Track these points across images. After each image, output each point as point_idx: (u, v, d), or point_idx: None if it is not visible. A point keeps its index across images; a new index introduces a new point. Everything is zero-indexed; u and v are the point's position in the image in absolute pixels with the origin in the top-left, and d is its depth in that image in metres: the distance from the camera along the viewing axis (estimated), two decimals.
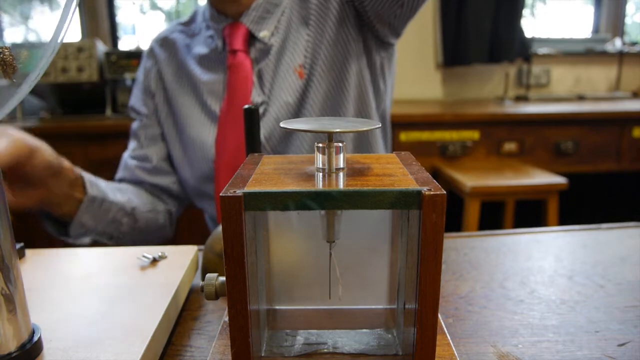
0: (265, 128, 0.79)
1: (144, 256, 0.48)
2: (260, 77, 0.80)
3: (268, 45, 0.79)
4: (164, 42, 0.89)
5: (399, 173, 0.31)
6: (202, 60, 0.84)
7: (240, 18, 0.78)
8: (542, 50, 2.44)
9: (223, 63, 0.82)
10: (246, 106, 0.44)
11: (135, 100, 0.90)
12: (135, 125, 0.89)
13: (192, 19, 0.91)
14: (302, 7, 0.81)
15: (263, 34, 0.79)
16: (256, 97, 0.79)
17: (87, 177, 0.72)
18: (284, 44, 0.80)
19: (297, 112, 0.80)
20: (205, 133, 0.81)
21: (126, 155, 0.89)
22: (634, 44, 2.53)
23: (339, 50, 0.80)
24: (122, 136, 1.92)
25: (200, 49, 0.84)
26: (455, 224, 1.86)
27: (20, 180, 0.60)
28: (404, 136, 1.87)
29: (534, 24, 2.59)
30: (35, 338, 0.33)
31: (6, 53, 0.27)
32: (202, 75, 0.83)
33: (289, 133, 0.80)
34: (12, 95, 0.28)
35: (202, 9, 0.89)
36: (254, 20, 0.78)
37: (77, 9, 0.29)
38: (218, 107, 0.81)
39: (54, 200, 0.66)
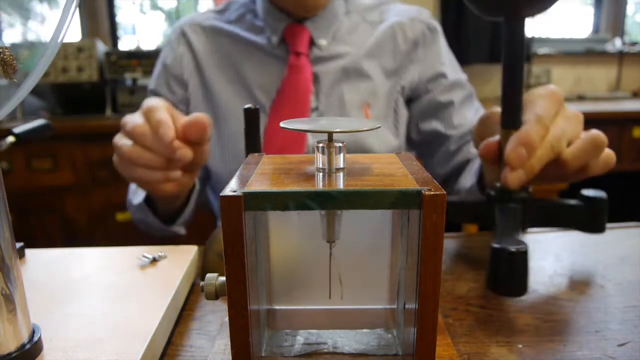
0: None
1: (144, 256, 0.48)
2: (316, 82, 0.81)
3: (325, 53, 0.82)
4: (200, 29, 0.86)
5: (399, 173, 0.31)
6: (252, 54, 0.83)
7: (305, 22, 0.80)
8: (542, 50, 2.44)
9: (277, 59, 0.82)
10: (246, 106, 0.44)
11: (160, 85, 0.86)
12: None
13: (225, 8, 0.89)
14: (388, 43, 0.85)
15: (322, 41, 0.81)
16: (312, 101, 0.80)
17: None
18: (344, 58, 0.82)
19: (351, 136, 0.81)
20: None
21: None
22: (634, 44, 2.53)
23: (392, 96, 0.85)
24: None
25: (252, 39, 0.83)
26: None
27: (195, 157, 0.59)
28: None
29: (534, 24, 2.59)
30: (35, 338, 0.33)
31: (6, 53, 0.27)
32: (252, 68, 0.82)
33: None
34: (12, 95, 0.28)
35: (243, 1, 0.88)
36: (317, 27, 0.81)
37: (77, 9, 0.29)
38: (268, 102, 0.81)
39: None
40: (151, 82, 0.89)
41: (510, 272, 0.40)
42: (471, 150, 0.83)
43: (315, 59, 0.82)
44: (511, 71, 0.47)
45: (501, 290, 0.40)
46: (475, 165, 0.78)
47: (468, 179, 0.79)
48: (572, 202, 0.54)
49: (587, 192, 0.53)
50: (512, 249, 0.40)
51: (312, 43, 0.81)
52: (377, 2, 0.90)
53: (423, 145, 0.89)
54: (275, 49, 0.82)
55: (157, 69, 0.89)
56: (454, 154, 0.84)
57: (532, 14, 0.46)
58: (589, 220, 0.53)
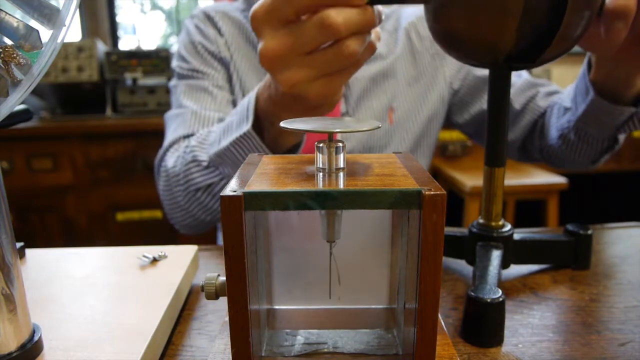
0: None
1: (144, 256, 0.48)
2: (345, 87, 0.79)
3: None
4: (227, 18, 0.82)
5: (399, 173, 0.31)
6: None
7: None
8: None
9: None
10: None
11: (198, 61, 0.79)
12: (194, 81, 0.77)
13: (246, 7, 0.86)
14: (409, 61, 0.84)
15: None
16: (342, 106, 0.79)
17: None
18: (372, 63, 0.81)
19: (369, 139, 0.81)
20: None
21: (196, 107, 0.74)
22: None
23: (428, 107, 0.85)
24: (122, 136, 1.93)
25: None
26: (455, 224, 1.86)
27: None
28: None
29: None
30: (36, 338, 0.33)
31: (7, 53, 0.27)
32: None
33: None
34: (12, 95, 0.28)
35: None
36: None
37: (78, 9, 0.29)
38: None
39: None
40: (179, 67, 0.81)
41: (484, 324, 0.38)
42: (540, 104, 0.79)
43: None
44: (497, 115, 0.46)
45: (474, 341, 0.39)
46: (562, 101, 0.71)
47: (566, 102, 0.70)
48: (556, 237, 0.52)
49: (573, 227, 0.52)
50: (488, 299, 0.38)
51: None
52: (391, 10, 0.90)
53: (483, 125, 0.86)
54: None
55: (185, 50, 0.81)
56: (520, 114, 0.81)
57: (517, 60, 0.44)
58: (574, 256, 0.52)
